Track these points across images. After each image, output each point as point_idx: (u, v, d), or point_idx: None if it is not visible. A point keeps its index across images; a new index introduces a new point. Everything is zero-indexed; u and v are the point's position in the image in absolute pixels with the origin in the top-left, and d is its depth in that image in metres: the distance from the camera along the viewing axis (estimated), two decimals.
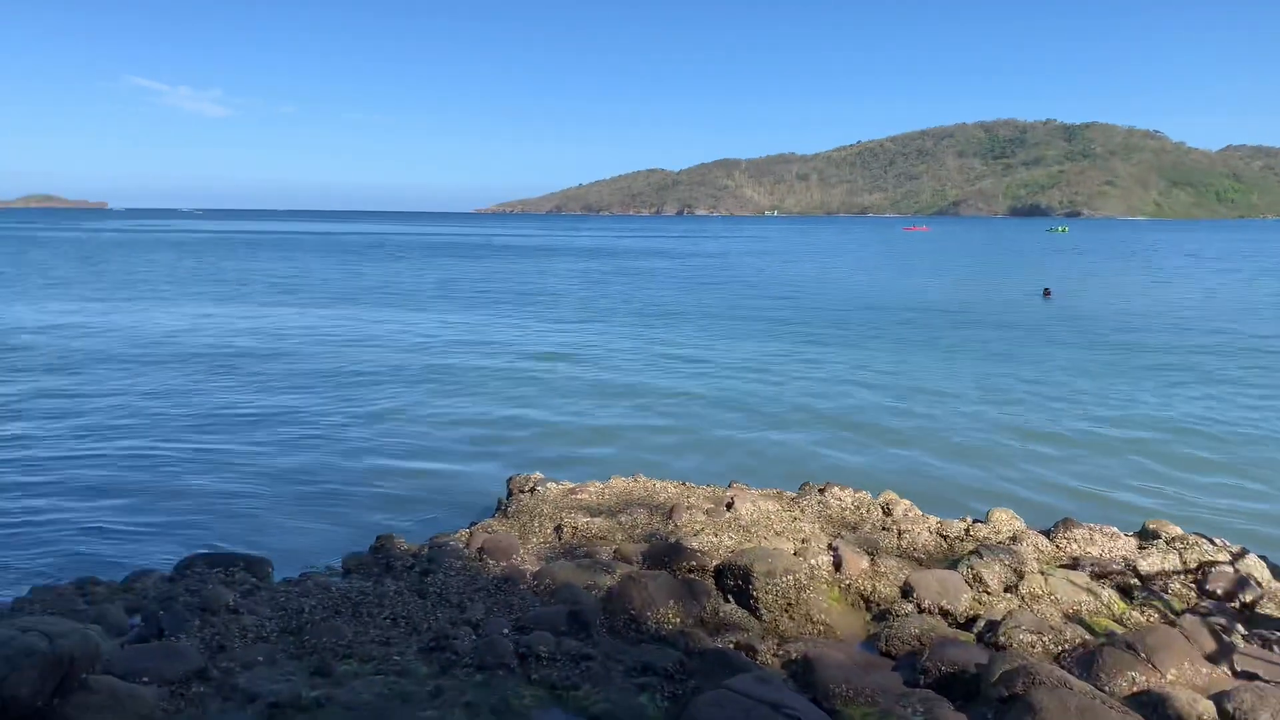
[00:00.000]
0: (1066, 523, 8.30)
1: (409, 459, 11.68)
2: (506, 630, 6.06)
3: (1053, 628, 6.30)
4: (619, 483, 9.36)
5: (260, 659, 5.74)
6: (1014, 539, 8.04)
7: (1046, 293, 37.53)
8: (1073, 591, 6.96)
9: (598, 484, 9.34)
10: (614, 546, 7.73)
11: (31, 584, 7.06)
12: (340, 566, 7.51)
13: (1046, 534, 8.22)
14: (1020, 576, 7.14)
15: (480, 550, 7.52)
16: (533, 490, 9.31)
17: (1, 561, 7.81)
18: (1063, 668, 5.66)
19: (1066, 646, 6.05)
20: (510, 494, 9.54)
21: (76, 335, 22.55)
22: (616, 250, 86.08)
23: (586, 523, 8.24)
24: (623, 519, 8.34)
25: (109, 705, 4.90)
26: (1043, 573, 7.25)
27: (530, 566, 7.35)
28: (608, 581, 6.87)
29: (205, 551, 7.49)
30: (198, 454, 11.40)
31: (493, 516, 9.01)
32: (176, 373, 17.26)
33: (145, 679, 5.30)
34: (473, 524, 8.79)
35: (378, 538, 7.88)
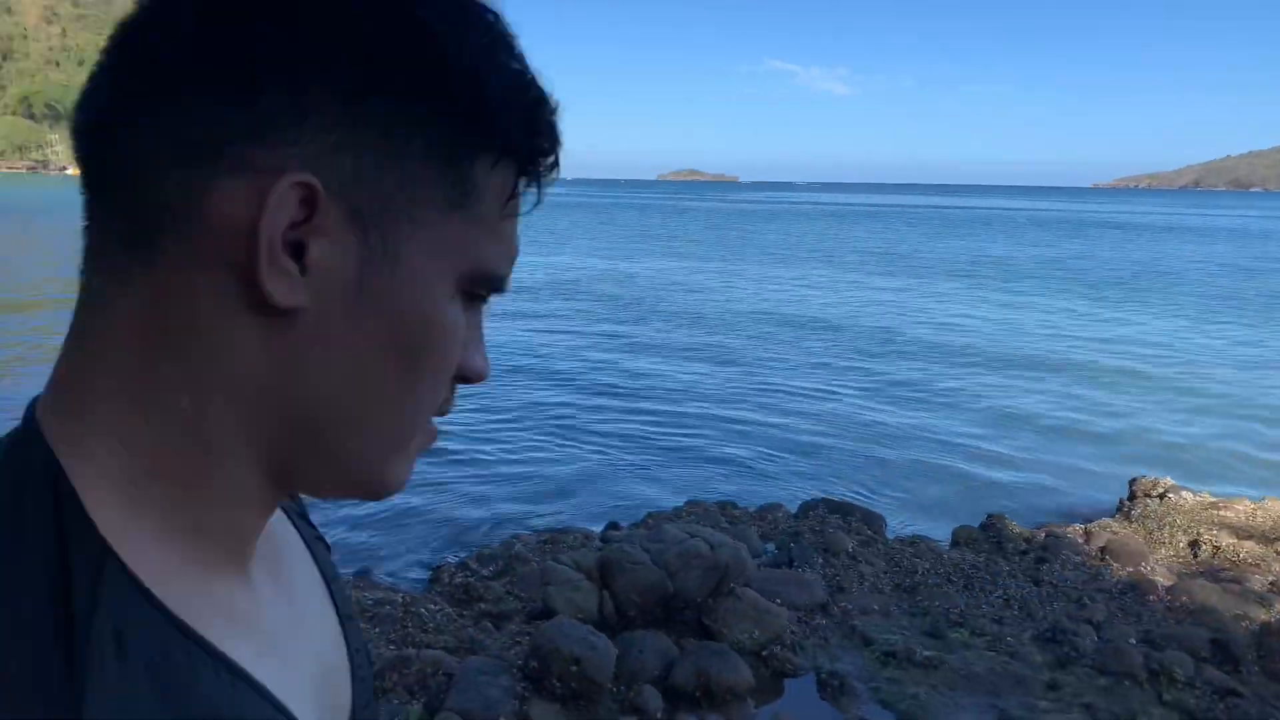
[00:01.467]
0: None
1: (1015, 442, 11.29)
2: (1133, 640, 5.57)
3: None
4: (1278, 505, 7.97)
5: (875, 608, 6.07)
6: None
7: None
8: None
9: (1248, 502, 8.07)
10: (1271, 578, 6.63)
11: (687, 497, 8.34)
12: (949, 536, 7.57)
13: None
14: None
15: (1102, 550, 7.00)
16: (1162, 496, 8.37)
17: (670, 474, 9.34)
18: None
19: None
20: (1133, 496, 8.70)
21: (690, 290, 25.82)
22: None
23: (1233, 544, 7.17)
24: None
25: (751, 615, 5.59)
26: None
27: (1161, 579, 6.65)
28: (1263, 615, 5.92)
29: (826, 497, 8.10)
30: (814, 408, 12.33)
31: (1111, 517, 8.34)
32: (792, 335, 18.83)
33: (778, 600, 5.93)
34: (1086, 520, 8.24)
35: (989, 515, 7.77)
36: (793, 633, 5.66)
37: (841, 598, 6.18)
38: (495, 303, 0.57)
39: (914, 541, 7.21)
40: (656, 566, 5.75)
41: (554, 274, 28.57)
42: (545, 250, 38.97)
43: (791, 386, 13.74)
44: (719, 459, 9.98)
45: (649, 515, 7.71)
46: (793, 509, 7.97)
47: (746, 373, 14.53)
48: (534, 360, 14.92)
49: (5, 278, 23.11)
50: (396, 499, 7.84)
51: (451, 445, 9.94)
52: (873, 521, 7.55)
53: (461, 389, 0.57)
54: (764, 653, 5.43)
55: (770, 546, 6.99)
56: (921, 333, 19.21)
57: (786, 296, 25.01)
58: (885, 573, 6.56)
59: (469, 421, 10.93)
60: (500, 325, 18.33)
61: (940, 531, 7.81)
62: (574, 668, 4.84)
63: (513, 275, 0.56)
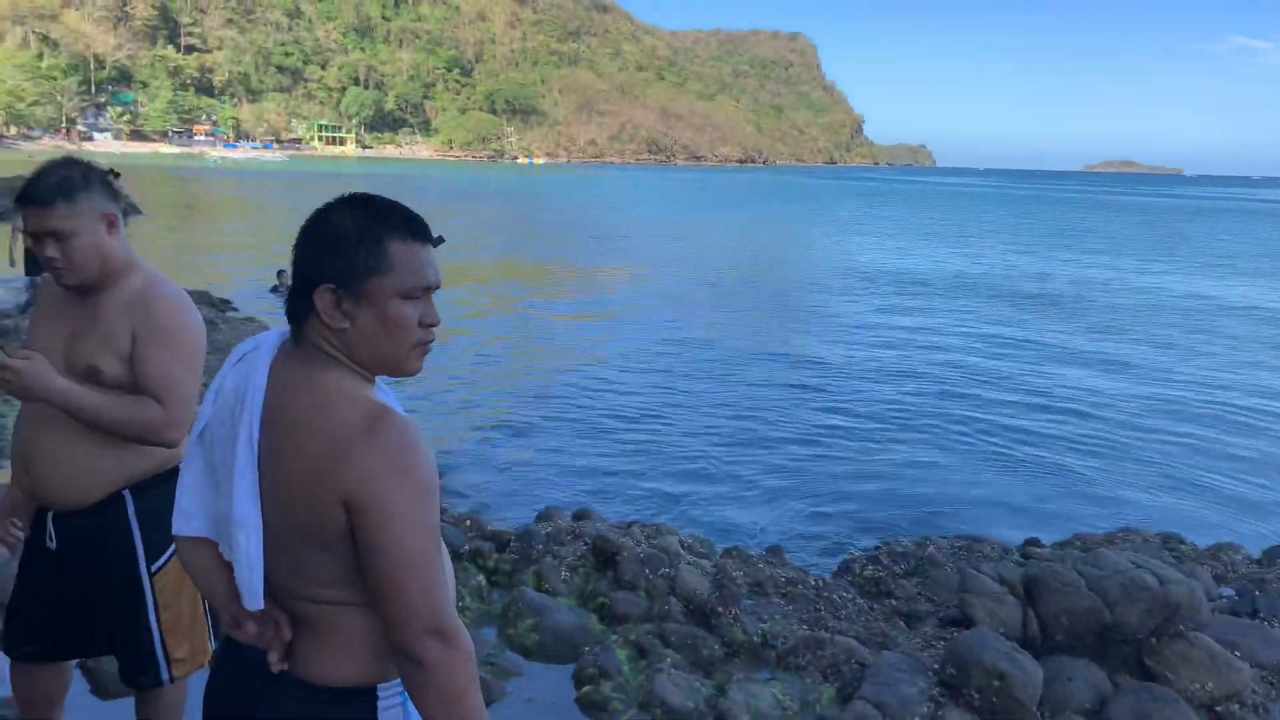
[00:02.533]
0: None
1: None
2: None
3: None
4: None
5: None
6: None
7: None
8: None
9: None
10: None
11: (1120, 522, 7.60)
12: None
13: None
14: None
15: None
16: None
17: (1099, 492, 8.58)
18: None
19: None
20: None
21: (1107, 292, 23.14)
22: None
23: None
24: None
25: (1205, 664, 4.96)
26: None
27: None
28: None
29: None
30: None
31: None
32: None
33: (1237, 653, 5.20)
34: None
35: None
36: (1254, 692, 4.95)
37: None
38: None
39: None
40: (1091, 592, 5.32)
41: (962, 271, 27.32)
42: (954, 245, 37.46)
43: (1257, 406, 11.97)
44: (1161, 481, 8.96)
45: (1076, 537, 7.14)
46: (1254, 553, 6.94)
47: (1197, 390, 12.86)
48: (941, 359, 14.43)
49: (483, 249, 26.94)
50: (797, 489, 7.95)
51: (856, 440, 9.94)
52: None
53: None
54: (1218, 708, 4.82)
55: (1229, 591, 6.15)
56: None
57: (1251, 304, 21.72)
58: None
59: (876, 415, 10.85)
60: (918, 332, 17.98)
61: None
62: (996, 683, 4.64)
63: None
